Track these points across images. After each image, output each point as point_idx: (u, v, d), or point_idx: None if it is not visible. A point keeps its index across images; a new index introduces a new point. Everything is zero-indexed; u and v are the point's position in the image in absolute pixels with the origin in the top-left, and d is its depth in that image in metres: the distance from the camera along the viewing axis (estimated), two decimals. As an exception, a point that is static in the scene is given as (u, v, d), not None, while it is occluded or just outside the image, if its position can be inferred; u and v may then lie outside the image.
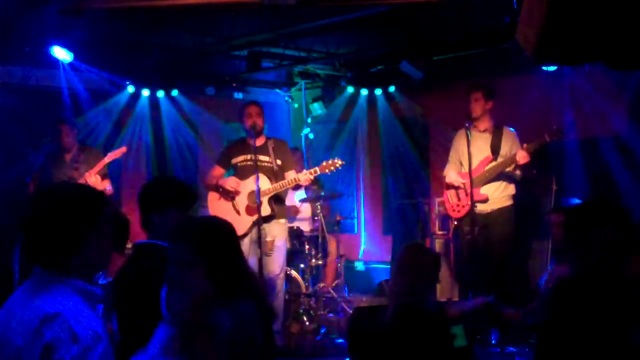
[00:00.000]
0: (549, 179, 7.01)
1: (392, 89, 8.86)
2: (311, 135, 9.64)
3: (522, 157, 5.99)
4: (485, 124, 6.31)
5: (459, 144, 6.39)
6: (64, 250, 2.08)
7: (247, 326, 2.51)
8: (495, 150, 6.23)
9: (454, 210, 6.44)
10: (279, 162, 6.15)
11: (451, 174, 6.43)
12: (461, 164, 6.40)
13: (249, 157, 6.13)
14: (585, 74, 6.89)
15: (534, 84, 7.43)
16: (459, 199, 6.41)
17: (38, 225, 2.10)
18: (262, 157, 6.06)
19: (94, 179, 6.28)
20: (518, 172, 6.18)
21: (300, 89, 9.56)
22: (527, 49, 2.64)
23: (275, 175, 6.11)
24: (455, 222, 6.53)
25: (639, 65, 2.85)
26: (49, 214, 2.10)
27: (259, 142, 6.14)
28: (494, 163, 6.22)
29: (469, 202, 5.99)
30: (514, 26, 2.86)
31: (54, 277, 2.08)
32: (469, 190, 5.99)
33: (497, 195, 6.24)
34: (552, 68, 6.86)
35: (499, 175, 6.20)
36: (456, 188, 6.41)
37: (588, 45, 2.45)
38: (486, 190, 6.21)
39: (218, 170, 6.36)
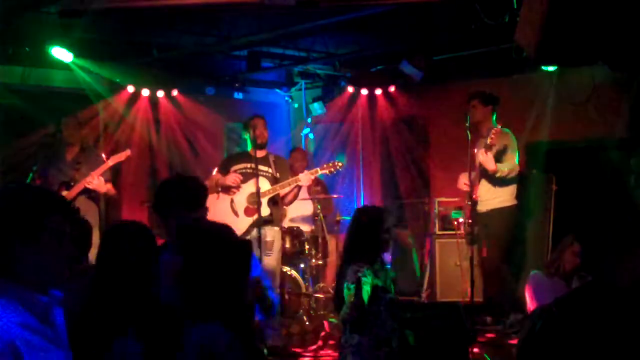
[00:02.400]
0: (549, 179, 7.02)
1: (392, 89, 8.86)
2: (311, 135, 9.63)
3: (479, 157, 6.28)
4: (486, 129, 6.44)
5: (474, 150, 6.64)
6: None
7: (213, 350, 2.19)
8: (487, 151, 6.37)
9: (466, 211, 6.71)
10: (278, 174, 6.20)
11: (460, 180, 6.63)
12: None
13: (249, 165, 6.16)
14: (586, 74, 6.89)
15: (534, 84, 7.43)
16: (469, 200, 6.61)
17: None
18: (262, 167, 6.09)
19: (97, 180, 6.27)
20: (487, 167, 6.30)
21: (300, 89, 9.56)
22: (527, 49, 2.64)
23: (274, 182, 6.15)
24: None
25: (639, 65, 2.85)
26: None
27: (260, 154, 6.16)
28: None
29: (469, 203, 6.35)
30: (514, 26, 2.85)
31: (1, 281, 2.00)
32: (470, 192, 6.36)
33: (490, 197, 6.45)
34: (552, 68, 6.86)
35: (482, 173, 6.39)
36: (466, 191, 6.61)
37: (588, 45, 2.45)
38: (481, 192, 6.44)
39: (217, 176, 6.38)
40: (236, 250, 2.40)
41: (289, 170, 6.50)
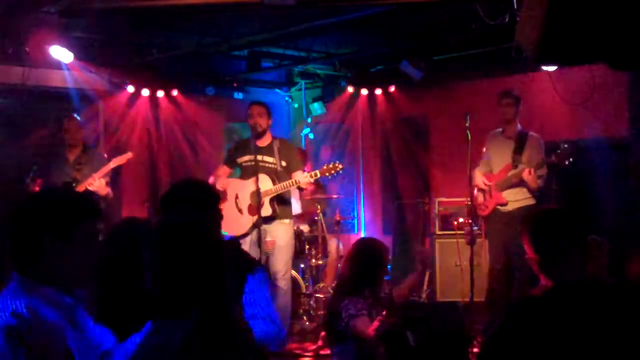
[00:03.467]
0: (549, 179, 7.02)
1: (392, 89, 8.86)
2: (311, 135, 9.64)
3: (525, 176, 6.17)
4: (512, 130, 6.43)
5: (488, 147, 6.61)
6: (28, 254, 2.05)
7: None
8: (515, 158, 6.36)
9: (480, 209, 6.61)
10: (283, 163, 6.17)
11: (477, 177, 6.59)
12: (490, 166, 6.57)
13: (252, 157, 6.15)
14: (586, 74, 6.89)
15: (534, 84, 7.43)
16: (484, 199, 6.55)
17: (10, 226, 2.10)
18: (266, 158, 6.11)
19: (98, 182, 6.26)
20: (530, 186, 6.26)
21: (300, 89, 9.56)
22: (527, 49, 2.64)
23: (278, 176, 6.12)
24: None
25: (639, 65, 2.85)
26: (17, 215, 2.09)
27: (265, 141, 6.18)
28: (513, 171, 6.35)
29: (493, 203, 6.36)
30: (514, 26, 2.85)
31: (26, 283, 2.06)
32: (492, 192, 6.37)
33: (519, 197, 6.38)
34: (552, 68, 6.86)
35: (518, 184, 6.33)
36: (482, 189, 6.58)
37: (588, 45, 2.45)
38: (507, 193, 6.36)
39: (222, 170, 6.40)
40: (211, 246, 2.34)
41: (296, 154, 6.45)
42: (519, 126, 6.44)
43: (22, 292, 2.03)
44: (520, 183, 6.31)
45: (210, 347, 2.06)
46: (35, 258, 2.05)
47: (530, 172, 6.18)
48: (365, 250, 4.37)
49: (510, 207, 6.39)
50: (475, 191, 6.61)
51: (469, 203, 6.37)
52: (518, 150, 6.34)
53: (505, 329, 2.35)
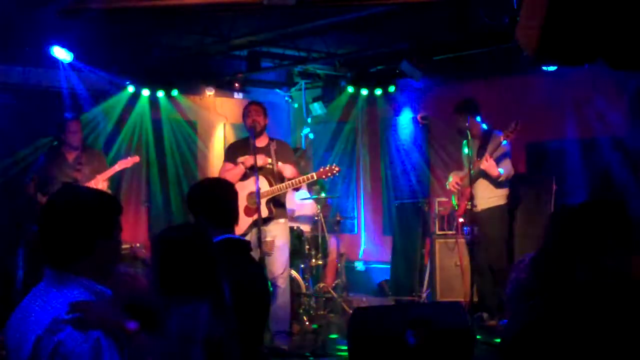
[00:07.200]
0: (549, 179, 7.02)
1: (392, 89, 8.86)
2: (311, 135, 9.64)
3: (483, 164, 6.38)
4: (477, 130, 6.63)
5: (462, 151, 6.85)
6: (77, 253, 2.14)
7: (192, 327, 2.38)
8: (480, 153, 6.56)
9: (456, 211, 6.81)
10: (279, 165, 6.15)
11: (450, 179, 6.85)
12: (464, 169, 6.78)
13: (250, 157, 6.13)
14: (586, 74, 6.89)
15: (534, 84, 7.43)
16: (458, 200, 6.79)
17: (54, 227, 2.16)
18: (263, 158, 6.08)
19: (101, 185, 6.27)
20: (491, 173, 6.44)
21: (300, 89, 9.56)
22: (527, 49, 2.64)
23: (275, 177, 6.10)
24: (460, 222, 6.87)
25: (639, 65, 2.85)
26: (65, 217, 2.15)
27: (262, 142, 6.15)
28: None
29: (464, 202, 6.55)
30: (514, 26, 2.86)
31: (65, 275, 2.14)
32: (463, 191, 6.61)
33: (486, 195, 6.55)
34: (552, 68, 6.87)
35: (480, 175, 6.49)
36: (455, 192, 6.80)
37: (588, 44, 2.45)
38: (474, 190, 6.48)
39: (229, 166, 6.37)
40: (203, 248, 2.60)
41: (292, 156, 6.43)
42: (483, 126, 6.64)
43: (64, 283, 2.13)
44: (482, 174, 6.45)
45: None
46: (82, 258, 2.15)
47: (487, 159, 6.32)
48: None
49: (479, 208, 6.50)
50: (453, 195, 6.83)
51: (469, 204, 6.40)
52: (483, 146, 6.52)
53: (531, 328, 2.35)
